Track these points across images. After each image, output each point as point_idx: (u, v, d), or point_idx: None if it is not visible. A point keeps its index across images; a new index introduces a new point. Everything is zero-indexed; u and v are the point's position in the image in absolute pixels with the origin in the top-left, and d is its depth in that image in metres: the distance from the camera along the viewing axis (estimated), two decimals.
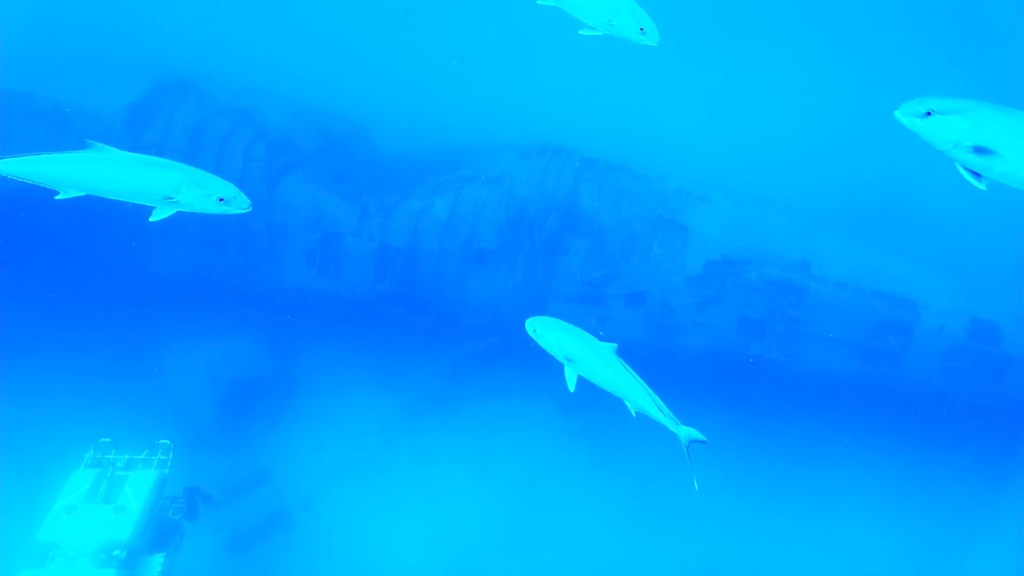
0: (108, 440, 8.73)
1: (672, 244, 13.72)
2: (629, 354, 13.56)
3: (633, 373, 6.83)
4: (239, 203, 5.92)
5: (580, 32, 6.72)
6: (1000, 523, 13.23)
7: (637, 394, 6.82)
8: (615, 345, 6.96)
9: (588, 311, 13.72)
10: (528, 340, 12.86)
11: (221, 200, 5.85)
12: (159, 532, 8.52)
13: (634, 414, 7.06)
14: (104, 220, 13.23)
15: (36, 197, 13.14)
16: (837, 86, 17.17)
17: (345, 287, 13.66)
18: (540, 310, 13.75)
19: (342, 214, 13.60)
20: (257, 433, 13.15)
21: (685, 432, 7.06)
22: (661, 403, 6.86)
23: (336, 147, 14.58)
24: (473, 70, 17.40)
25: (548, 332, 6.97)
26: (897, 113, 4.89)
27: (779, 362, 13.71)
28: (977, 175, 4.91)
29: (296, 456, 12.97)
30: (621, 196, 13.83)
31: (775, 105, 16.56)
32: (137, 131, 13.45)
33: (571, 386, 7.01)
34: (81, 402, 11.45)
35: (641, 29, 6.35)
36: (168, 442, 8.97)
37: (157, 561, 8.27)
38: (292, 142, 14.12)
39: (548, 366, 13.89)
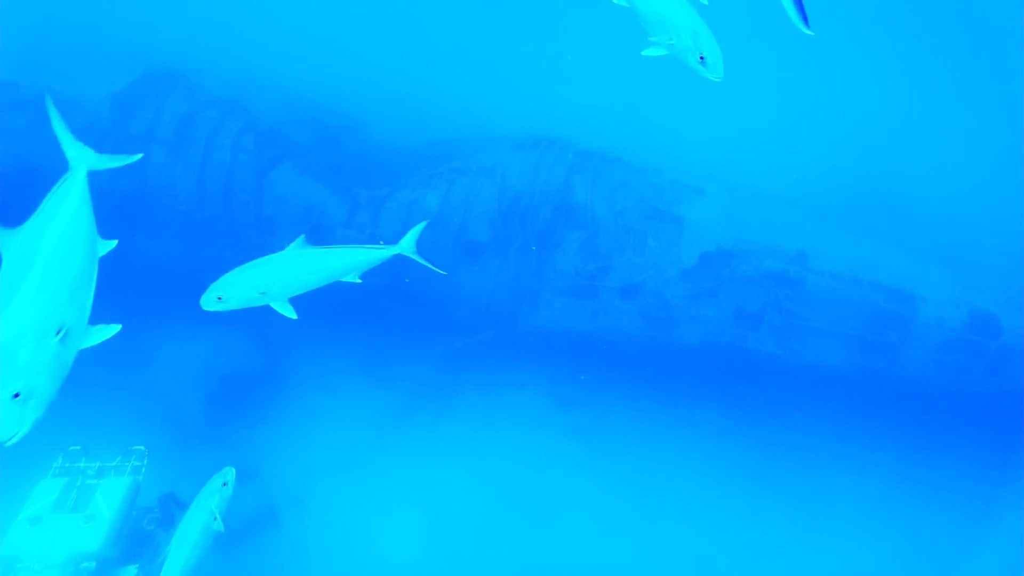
0: (78, 448, 8.03)
1: (667, 236, 13.14)
2: (624, 347, 13.03)
3: (330, 247, 6.45)
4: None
5: (643, 53, 5.89)
6: (1000, 517, 12.70)
7: (352, 258, 6.55)
8: (301, 237, 6.36)
9: (582, 304, 13.14)
10: (522, 335, 12.20)
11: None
12: (132, 542, 7.83)
13: (359, 281, 6.73)
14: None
15: (20, 188, 12.46)
16: (834, 79, 16.63)
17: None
18: (533, 303, 13.14)
19: (332, 206, 12.96)
20: (245, 429, 12.50)
21: (406, 245, 6.99)
22: (370, 247, 6.64)
23: (326, 139, 13.95)
24: (467, 62, 16.79)
25: (233, 286, 6.12)
26: None
27: (775, 355, 13.15)
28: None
29: (285, 452, 12.34)
30: (615, 188, 13.23)
31: (771, 97, 15.95)
32: (123, 121, 12.75)
33: (291, 314, 6.33)
34: (57, 401, 10.75)
35: (701, 58, 5.49)
36: (142, 448, 8.28)
37: (130, 573, 7.59)
38: (282, 133, 13.49)
39: (543, 361, 13.36)
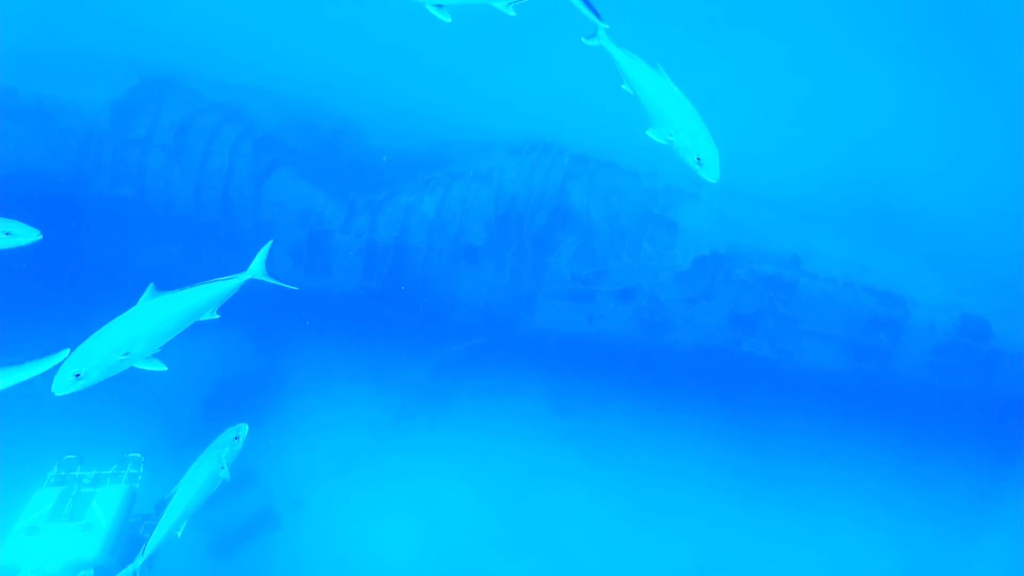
0: (74, 456, 7.93)
1: (662, 240, 13.04)
2: (619, 350, 12.94)
3: (181, 290, 6.06)
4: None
5: (647, 132, 5.87)
6: (992, 517, 12.64)
7: (207, 295, 6.18)
8: (151, 286, 5.99)
9: (577, 308, 13.05)
10: (518, 339, 12.08)
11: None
12: (130, 550, 7.72)
13: (218, 316, 6.42)
14: (88, 214, 12.49)
15: (20, 193, 12.33)
16: (828, 83, 16.54)
17: (333, 284, 12.92)
18: (530, 307, 13.05)
19: (330, 211, 12.88)
20: None
21: (255, 268, 6.73)
22: (221, 280, 6.30)
23: (324, 144, 13.86)
24: (463, 67, 16.71)
25: (92, 356, 5.43)
26: None
27: (769, 358, 13.07)
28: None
29: (283, 456, 12.25)
30: (611, 193, 13.13)
31: (766, 102, 15.84)
32: (123, 127, 12.66)
33: (159, 367, 5.95)
34: (51, 408, 10.61)
35: (698, 159, 5.49)
36: (139, 455, 8.20)
37: None
38: (279, 139, 13.41)
39: (539, 365, 13.26)
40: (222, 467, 7.11)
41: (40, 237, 5.49)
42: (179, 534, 7.12)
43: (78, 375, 5.32)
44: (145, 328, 5.71)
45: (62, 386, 5.30)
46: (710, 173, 5.51)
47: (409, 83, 15.66)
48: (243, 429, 7.42)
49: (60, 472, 7.89)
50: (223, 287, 6.28)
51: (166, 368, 5.84)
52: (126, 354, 5.55)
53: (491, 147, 13.65)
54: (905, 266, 13.26)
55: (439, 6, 5.47)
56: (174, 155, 12.73)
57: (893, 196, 14.77)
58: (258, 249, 12.97)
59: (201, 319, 6.18)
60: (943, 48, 16.33)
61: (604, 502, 12.33)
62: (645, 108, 5.80)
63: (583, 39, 6.07)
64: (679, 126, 5.55)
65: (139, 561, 6.84)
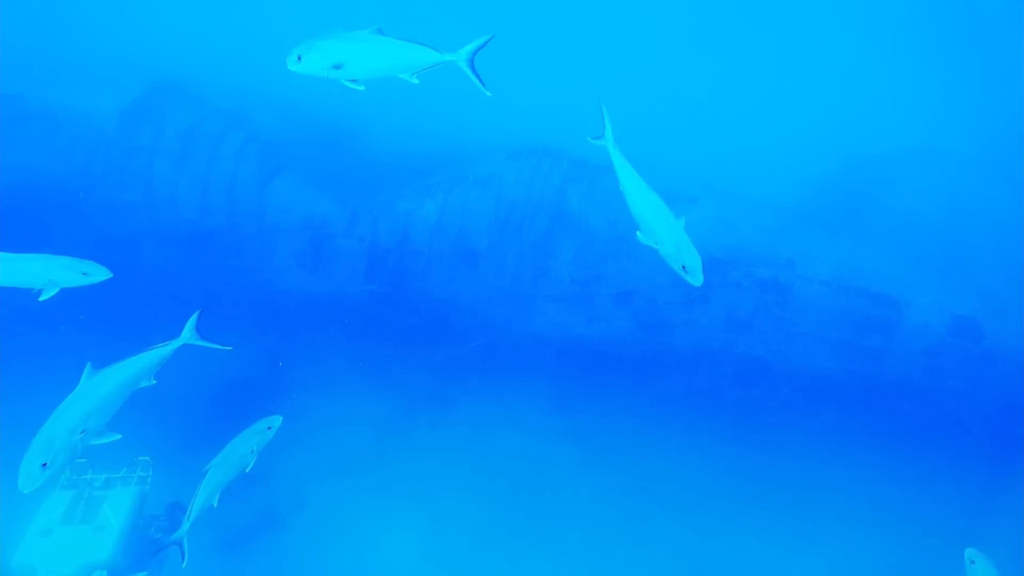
0: (85, 460, 8.09)
1: None
2: (618, 352, 13.07)
3: (118, 363, 6.20)
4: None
5: (637, 235, 6.29)
6: (986, 518, 12.72)
7: (143, 364, 6.36)
8: (88, 365, 6.09)
9: (576, 310, 13.22)
10: (518, 341, 12.21)
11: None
12: (141, 550, 7.91)
13: (155, 382, 6.60)
14: (95, 219, 12.64)
15: (27, 197, 12.45)
16: (824, 87, 16.64)
17: (336, 288, 13.07)
18: (529, 310, 13.21)
19: (332, 216, 13.03)
20: None
21: (187, 335, 6.94)
22: (155, 348, 6.52)
23: (327, 149, 13.99)
24: (463, 73, 16.78)
25: (54, 441, 5.51)
26: None
27: (765, 359, 13.24)
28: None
29: (287, 456, 12.33)
30: (609, 197, 13.26)
31: (762, 106, 15.95)
32: (129, 134, 12.81)
33: (113, 437, 5.97)
34: None
35: (683, 267, 5.88)
36: (147, 458, 8.37)
37: None
38: (283, 145, 13.54)
39: (539, 366, 13.41)
40: (252, 451, 7.41)
41: (111, 275, 6.08)
42: (215, 504, 7.34)
43: (45, 464, 5.41)
44: (94, 404, 5.83)
45: (31, 480, 5.37)
46: (694, 279, 5.89)
47: (410, 90, 15.78)
48: (276, 420, 7.69)
49: (72, 476, 8.06)
50: (157, 356, 6.46)
51: (120, 436, 5.94)
52: (83, 432, 5.66)
53: (491, 153, 13.79)
54: (898, 269, 13.41)
55: (353, 81, 6.07)
56: (180, 161, 12.89)
57: (886, 199, 14.88)
58: (262, 252, 13.18)
59: (139, 387, 6.31)
60: (936, 50, 16.44)
61: (603, 502, 12.43)
62: (635, 216, 6.28)
63: (589, 139, 6.65)
64: (664, 238, 5.98)
65: (185, 526, 7.06)
